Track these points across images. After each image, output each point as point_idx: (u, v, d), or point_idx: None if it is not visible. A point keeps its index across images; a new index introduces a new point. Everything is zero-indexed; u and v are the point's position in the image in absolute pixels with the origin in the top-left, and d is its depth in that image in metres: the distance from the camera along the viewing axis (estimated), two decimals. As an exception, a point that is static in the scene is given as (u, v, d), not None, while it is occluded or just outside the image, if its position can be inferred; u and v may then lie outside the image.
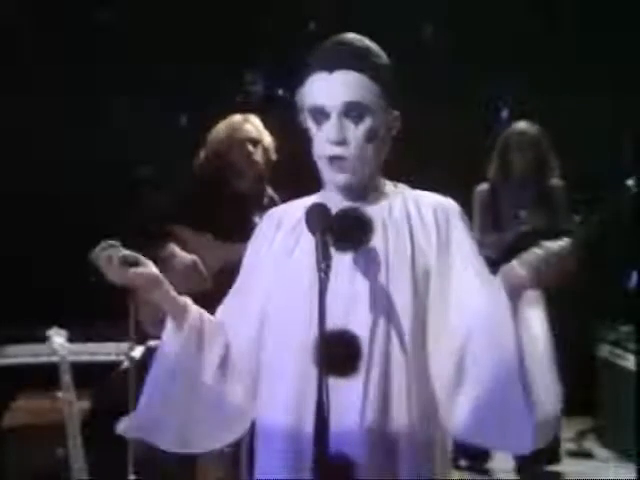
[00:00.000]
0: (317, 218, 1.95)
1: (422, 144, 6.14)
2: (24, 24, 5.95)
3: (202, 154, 3.91)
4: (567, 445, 5.56)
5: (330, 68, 2.01)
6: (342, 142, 2.00)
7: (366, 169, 2.04)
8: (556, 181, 5.19)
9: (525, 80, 6.25)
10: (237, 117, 3.92)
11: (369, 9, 6.17)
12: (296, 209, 2.10)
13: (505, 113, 6.44)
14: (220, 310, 2.15)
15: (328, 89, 2.01)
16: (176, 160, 5.70)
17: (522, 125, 5.22)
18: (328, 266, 1.85)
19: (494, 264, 5.69)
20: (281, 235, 2.09)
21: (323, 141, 2.02)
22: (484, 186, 5.27)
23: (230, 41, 5.94)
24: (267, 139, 3.88)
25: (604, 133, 6.11)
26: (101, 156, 5.98)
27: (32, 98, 5.82)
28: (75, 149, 5.91)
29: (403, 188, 2.13)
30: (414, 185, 2.16)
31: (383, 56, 2.09)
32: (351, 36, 2.08)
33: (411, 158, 5.88)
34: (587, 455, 5.61)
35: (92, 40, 5.97)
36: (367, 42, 2.08)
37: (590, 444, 5.71)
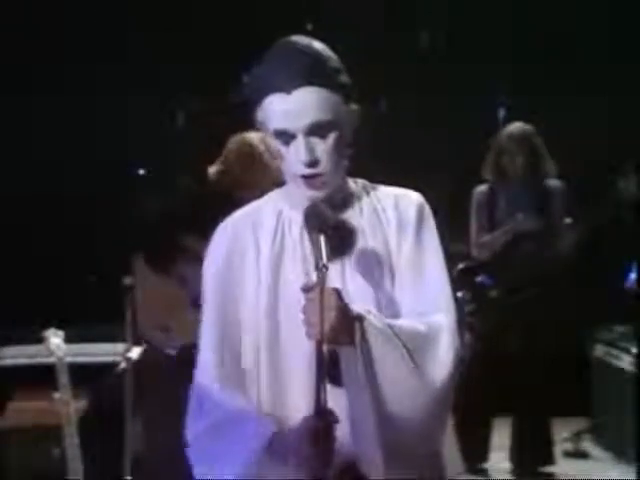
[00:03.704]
0: (315, 218, 1.95)
1: (421, 144, 6.18)
2: (24, 23, 5.96)
3: (214, 170, 3.89)
4: (563, 445, 5.57)
5: (287, 88, 1.95)
6: (314, 162, 1.97)
7: (338, 177, 2.03)
8: (553, 182, 5.19)
9: (523, 80, 6.27)
10: (252, 135, 3.87)
11: (367, 9, 6.19)
12: (259, 214, 2.09)
13: (502, 113, 6.45)
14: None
15: (289, 112, 1.95)
16: (174, 160, 5.74)
17: (513, 126, 5.22)
18: (325, 266, 1.85)
19: (486, 265, 5.72)
20: (265, 241, 2.05)
21: (294, 161, 1.98)
22: (482, 187, 5.28)
23: (226, 41, 5.94)
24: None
25: (602, 133, 6.12)
26: (101, 156, 5.99)
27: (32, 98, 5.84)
28: (75, 149, 5.92)
29: (363, 184, 2.11)
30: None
31: (334, 56, 2.02)
32: (300, 43, 1.99)
33: (410, 158, 5.97)
34: (583, 455, 5.62)
35: (91, 40, 5.99)
36: (316, 46, 2.00)
37: (586, 444, 5.71)
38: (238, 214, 2.12)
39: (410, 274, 2.00)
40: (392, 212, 2.04)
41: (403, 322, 1.94)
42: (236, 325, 2.03)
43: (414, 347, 1.89)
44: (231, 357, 2.02)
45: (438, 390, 1.89)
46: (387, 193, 2.08)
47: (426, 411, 1.89)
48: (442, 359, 1.91)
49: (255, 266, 2.04)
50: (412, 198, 2.07)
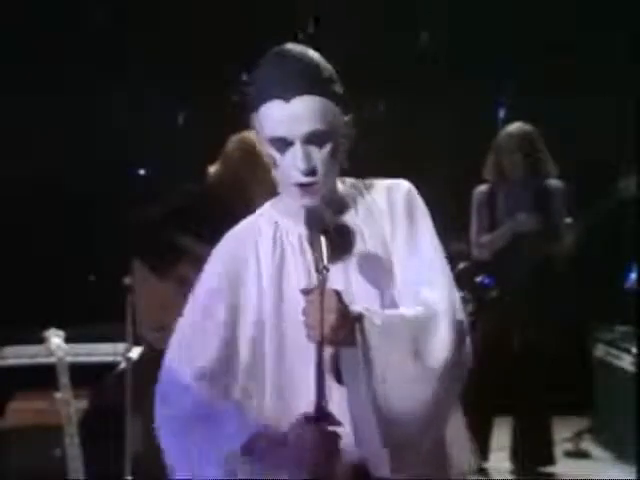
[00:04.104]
0: (317, 219, 1.95)
1: (421, 145, 6.18)
2: (24, 24, 5.96)
3: (215, 170, 3.89)
4: (564, 445, 5.57)
5: (285, 96, 1.94)
6: (311, 170, 1.97)
7: (331, 183, 2.04)
8: (554, 182, 5.19)
9: (523, 80, 6.27)
10: (252, 134, 3.86)
11: (366, 12, 6.19)
12: (258, 226, 2.09)
13: (502, 113, 6.45)
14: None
15: (288, 120, 1.95)
16: (174, 160, 5.74)
17: (513, 126, 5.22)
18: (326, 267, 1.85)
19: (486, 265, 5.70)
20: (265, 252, 2.05)
21: (289, 169, 1.98)
22: (482, 187, 5.28)
23: (227, 42, 5.94)
24: None
25: (602, 133, 6.13)
26: (101, 156, 5.99)
27: (32, 98, 5.83)
28: (75, 149, 5.91)
29: (352, 183, 2.12)
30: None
31: (329, 66, 2.02)
32: (296, 51, 1.99)
33: (411, 158, 5.97)
34: (584, 455, 5.62)
35: (91, 40, 5.99)
36: (313, 55, 2.00)
37: (587, 444, 5.71)
38: (238, 227, 2.13)
39: (404, 249, 2.02)
40: (383, 203, 2.06)
41: (403, 313, 1.94)
42: (233, 330, 2.03)
43: (415, 337, 1.89)
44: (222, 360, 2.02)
45: (441, 380, 1.90)
46: (377, 186, 2.10)
47: (427, 406, 1.90)
48: (442, 345, 1.91)
49: (257, 278, 2.04)
50: (400, 185, 2.09)
